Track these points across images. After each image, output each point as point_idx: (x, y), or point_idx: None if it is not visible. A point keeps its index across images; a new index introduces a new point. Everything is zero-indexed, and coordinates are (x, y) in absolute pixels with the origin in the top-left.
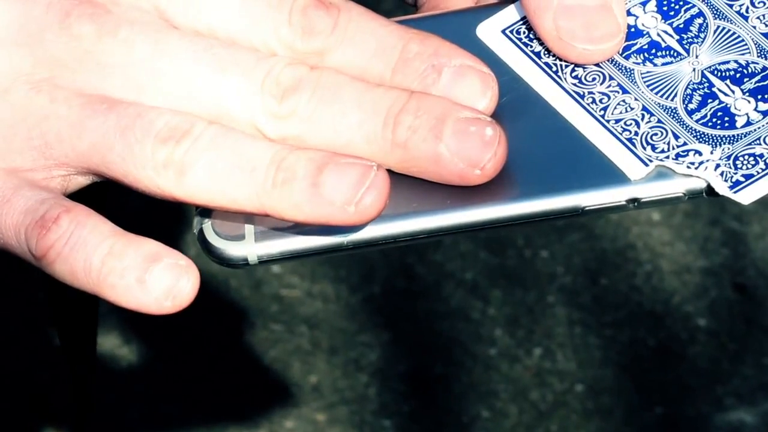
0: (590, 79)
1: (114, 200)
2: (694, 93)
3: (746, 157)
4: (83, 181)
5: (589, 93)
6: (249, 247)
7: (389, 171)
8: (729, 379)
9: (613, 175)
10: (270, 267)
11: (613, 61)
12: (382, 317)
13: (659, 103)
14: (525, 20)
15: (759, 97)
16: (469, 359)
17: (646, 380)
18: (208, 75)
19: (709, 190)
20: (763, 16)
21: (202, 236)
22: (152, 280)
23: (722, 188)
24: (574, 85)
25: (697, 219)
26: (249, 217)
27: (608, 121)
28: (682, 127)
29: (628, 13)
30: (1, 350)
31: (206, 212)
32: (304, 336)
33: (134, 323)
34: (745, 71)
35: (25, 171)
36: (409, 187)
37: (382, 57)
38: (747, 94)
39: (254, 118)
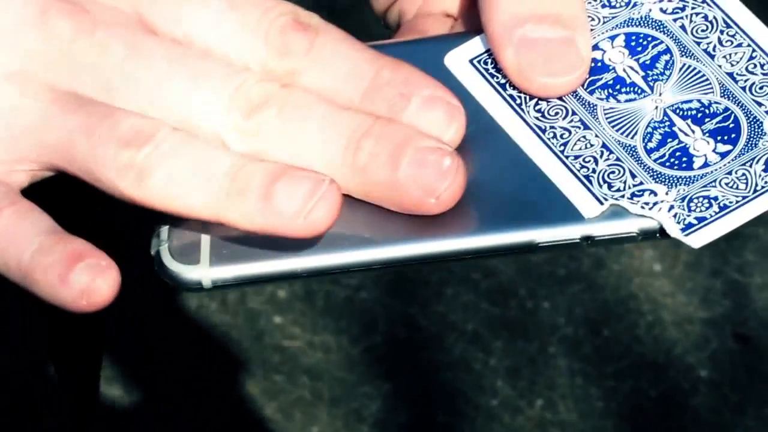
0: (553, 114)
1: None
2: (655, 131)
3: (700, 199)
4: (44, 176)
5: (551, 127)
6: (204, 271)
7: (351, 198)
8: (731, 430)
9: (568, 212)
10: (272, 318)
11: (577, 95)
12: (383, 368)
13: (619, 141)
14: None
15: (718, 138)
16: (471, 410)
17: None
18: (179, 84)
19: (663, 230)
20: (729, 55)
21: (158, 258)
22: (72, 278)
23: (674, 230)
24: (537, 118)
25: (699, 270)
26: (205, 240)
27: (567, 157)
28: (640, 166)
29: (596, 47)
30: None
31: (163, 234)
32: (305, 387)
33: (136, 373)
34: (706, 111)
35: None
36: (367, 216)
37: (354, 81)
38: (707, 134)
39: (220, 131)
